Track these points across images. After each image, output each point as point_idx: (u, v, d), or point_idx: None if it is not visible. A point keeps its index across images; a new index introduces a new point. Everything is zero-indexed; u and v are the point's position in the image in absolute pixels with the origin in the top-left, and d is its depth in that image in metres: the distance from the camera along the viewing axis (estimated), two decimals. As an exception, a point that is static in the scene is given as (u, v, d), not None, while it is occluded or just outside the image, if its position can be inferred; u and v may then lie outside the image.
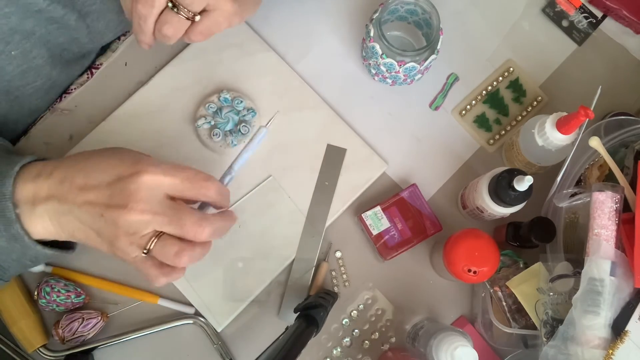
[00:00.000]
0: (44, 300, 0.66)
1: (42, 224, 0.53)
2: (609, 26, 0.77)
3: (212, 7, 0.55)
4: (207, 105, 0.70)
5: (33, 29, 0.59)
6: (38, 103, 0.69)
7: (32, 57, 0.61)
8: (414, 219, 0.70)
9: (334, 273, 0.71)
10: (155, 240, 0.51)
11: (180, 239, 0.52)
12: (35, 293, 0.67)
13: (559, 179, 0.65)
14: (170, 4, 0.53)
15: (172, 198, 0.52)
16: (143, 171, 0.51)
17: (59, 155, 0.70)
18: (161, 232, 0.51)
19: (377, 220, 0.69)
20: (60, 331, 0.66)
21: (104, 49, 0.74)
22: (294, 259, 0.70)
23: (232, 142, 0.70)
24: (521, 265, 0.66)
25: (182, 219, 0.51)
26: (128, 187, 0.51)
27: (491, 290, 0.66)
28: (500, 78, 0.76)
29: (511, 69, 0.76)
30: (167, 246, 0.51)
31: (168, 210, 0.51)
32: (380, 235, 0.69)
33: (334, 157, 0.72)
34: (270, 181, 0.71)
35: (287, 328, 0.60)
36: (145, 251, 0.51)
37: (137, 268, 0.53)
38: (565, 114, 0.62)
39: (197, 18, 0.55)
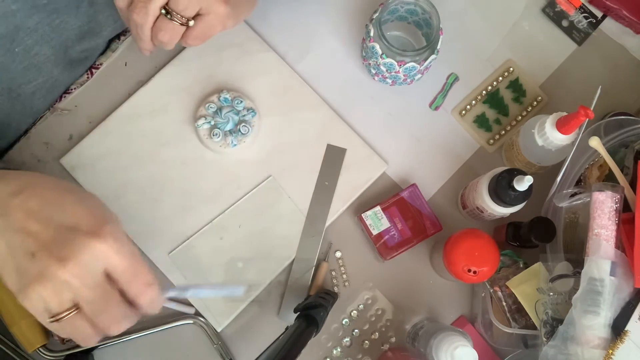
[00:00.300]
0: (44, 300, 0.66)
1: None
2: (609, 26, 0.77)
3: (205, 11, 0.55)
4: (207, 105, 0.70)
5: (36, 26, 0.59)
6: (39, 103, 0.68)
7: (34, 54, 0.61)
8: (414, 219, 0.70)
9: (334, 273, 0.71)
10: (72, 314, 0.45)
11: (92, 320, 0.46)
12: (35, 293, 0.67)
13: (559, 179, 0.65)
14: (164, 11, 0.53)
15: (109, 277, 0.46)
16: (101, 237, 0.45)
17: (58, 154, 0.70)
18: (77, 306, 0.45)
19: (377, 220, 0.69)
20: (60, 331, 0.66)
21: (104, 50, 0.74)
22: (293, 259, 0.70)
23: (232, 142, 0.70)
24: (521, 265, 0.66)
25: (106, 308, 0.46)
26: (77, 242, 0.45)
27: (491, 290, 0.66)
28: (500, 78, 0.76)
29: (511, 69, 0.76)
30: (79, 328, 0.46)
31: (98, 290, 0.45)
32: (380, 235, 0.69)
33: (334, 157, 0.72)
34: (270, 181, 0.71)
35: (287, 328, 0.60)
36: (52, 318, 0.45)
37: (36, 318, 0.46)
38: (565, 114, 0.62)
39: (192, 23, 0.55)
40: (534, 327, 0.64)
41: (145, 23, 0.54)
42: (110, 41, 0.74)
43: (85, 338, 0.46)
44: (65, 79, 0.70)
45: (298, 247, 0.70)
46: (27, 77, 0.63)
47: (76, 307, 0.45)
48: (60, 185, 0.49)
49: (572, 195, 0.63)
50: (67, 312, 0.45)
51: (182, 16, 0.54)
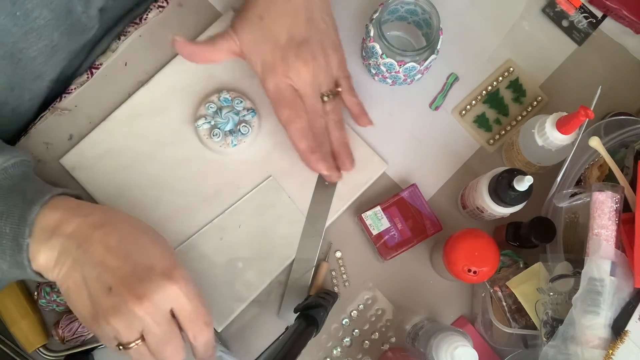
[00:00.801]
0: (44, 300, 0.66)
1: (46, 257, 0.51)
2: (609, 26, 0.77)
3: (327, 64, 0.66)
4: (207, 105, 0.70)
5: None
6: (41, 67, 0.66)
7: (34, 18, 0.60)
8: (414, 219, 0.70)
9: (334, 273, 0.71)
10: (138, 344, 0.50)
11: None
12: (35, 293, 0.67)
13: (559, 179, 0.65)
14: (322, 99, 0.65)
15: (174, 315, 0.51)
16: (174, 279, 0.50)
17: (58, 155, 0.70)
18: (143, 337, 0.50)
19: (377, 220, 0.69)
20: (60, 331, 0.66)
21: (103, 49, 0.74)
22: (294, 259, 0.70)
23: (232, 142, 0.70)
24: (521, 265, 0.66)
25: (168, 342, 0.51)
26: (152, 282, 0.49)
27: (491, 290, 0.66)
28: (500, 78, 0.76)
29: (511, 69, 0.76)
30: (142, 356, 0.51)
31: (165, 326, 0.50)
32: (380, 235, 0.69)
33: None
34: (270, 181, 0.71)
35: (287, 328, 0.60)
36: (121, 346, 0.50)
37: (104, 343, 0.53)
38: (565, 114, 0.62)
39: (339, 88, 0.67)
40: (534, 327, 0.64)
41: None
42: (111, 41, 0.74)
43: None
44: (65, 43, 0.68)
45: (298, 247, 0.70)
46: (28, 42, 0.62)
47: (142, 338, 0.50)
48: (137, 224, 0.53)
49: (572, 195, 0.63)
50: (135, 343, 0.49)
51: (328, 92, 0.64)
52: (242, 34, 0.64)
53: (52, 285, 0.66)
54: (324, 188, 0.71)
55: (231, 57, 0.66)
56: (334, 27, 0.67)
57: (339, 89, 0.66)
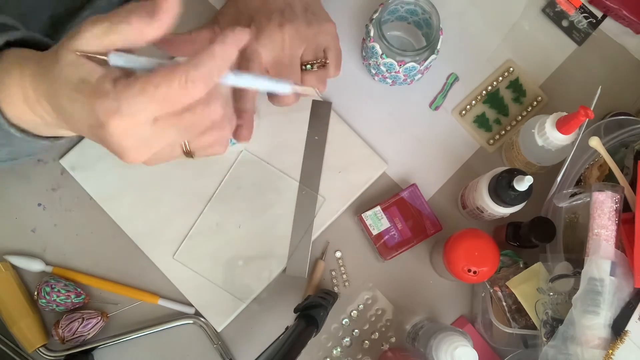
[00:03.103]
0: (44, 300, 0.66)
1: (20, 101, 0.45)
2: (609, 26, 0.77)
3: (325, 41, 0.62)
4: (207, 105, 0.70)
5: None
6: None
7: None
8: (414, 219, 0.70)
9: (333, 273, 0.71)
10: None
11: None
12: (35, 293, 0.67)
13: (559, 179, 0.65)
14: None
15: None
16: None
17: (58, 155, 0.70)
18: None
19: (377, 220, 0.69)
20: (60, 331, 0.66)
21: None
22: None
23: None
24: (521, 265, 0.66)
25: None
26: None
27: (491, 290, 0.66)
28: (500, 78, 0.76)
29: (511, 69, 0.76)
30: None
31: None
32: (380, 235, 0.69)
33: (320, 112, 0.71)
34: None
35: (287, 328, 0.60)
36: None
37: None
38: (565, 114, 0.62)
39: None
40: (534, 327, 0.64)
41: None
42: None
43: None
44: None
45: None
46: None
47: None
48: None
49: (572, 195, 0.63)
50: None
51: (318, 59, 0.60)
52: (221, 17, 0.63)
53: (52, 285, 0.66)
54: (314, 143, 0.71)
55: None
56: (318, 3, 0.64)
57: (327, 61, 0.63)
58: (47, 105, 0.45)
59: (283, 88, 0.49)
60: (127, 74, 0.41)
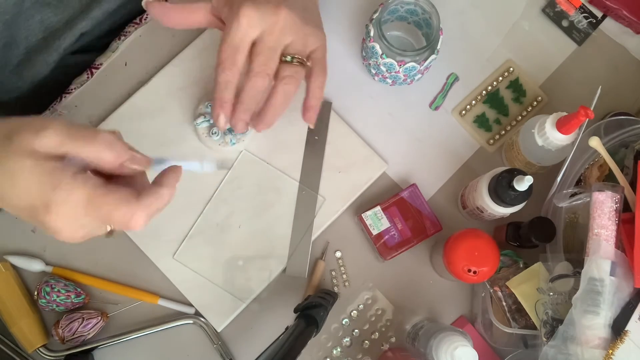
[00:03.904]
0: (44, 300, 0.66)
1: None
2: (609, 26, 0.77)
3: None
4: (206, 103, 0.70)
5: None
6: None
7: None
8: (414, 219, 0.70)
9: (334, 273, 0.71)
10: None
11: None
12: (35, 293, 0.67)
13: (559, 179, 0.65)
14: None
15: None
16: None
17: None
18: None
19: (377, 220, 0.69)
20: (60, 331, 0.66)
21: (103, 48, 0.74)
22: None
23: (230, 140, 0.70)
24: (521, 265, 0.66)
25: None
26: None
27: (491, 290, 0.66)
28: (500, 78, 0.76)
29: (511, 69, 0.76)
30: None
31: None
32: (380, 235, 0.69)
33: (320, 112, 0.71)
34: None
35: (287, 328, 0.60)
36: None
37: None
38: (565, 114, 0.62)
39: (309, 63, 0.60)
40: (534, 327, 0.64)
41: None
42: (111, 41, 0.74)
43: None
44: None
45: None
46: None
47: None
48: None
49: (572, 195, 0.63)
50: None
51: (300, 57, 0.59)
52: None
53: (52, 285, 0.66)
54: (314, 142, 0.71)
55: (208, 23, 0.61)
56: (316, 8, 0.63)
57: (309, 63, 0.61)
58: None
59: (208, 168, 0.55)
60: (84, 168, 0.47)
